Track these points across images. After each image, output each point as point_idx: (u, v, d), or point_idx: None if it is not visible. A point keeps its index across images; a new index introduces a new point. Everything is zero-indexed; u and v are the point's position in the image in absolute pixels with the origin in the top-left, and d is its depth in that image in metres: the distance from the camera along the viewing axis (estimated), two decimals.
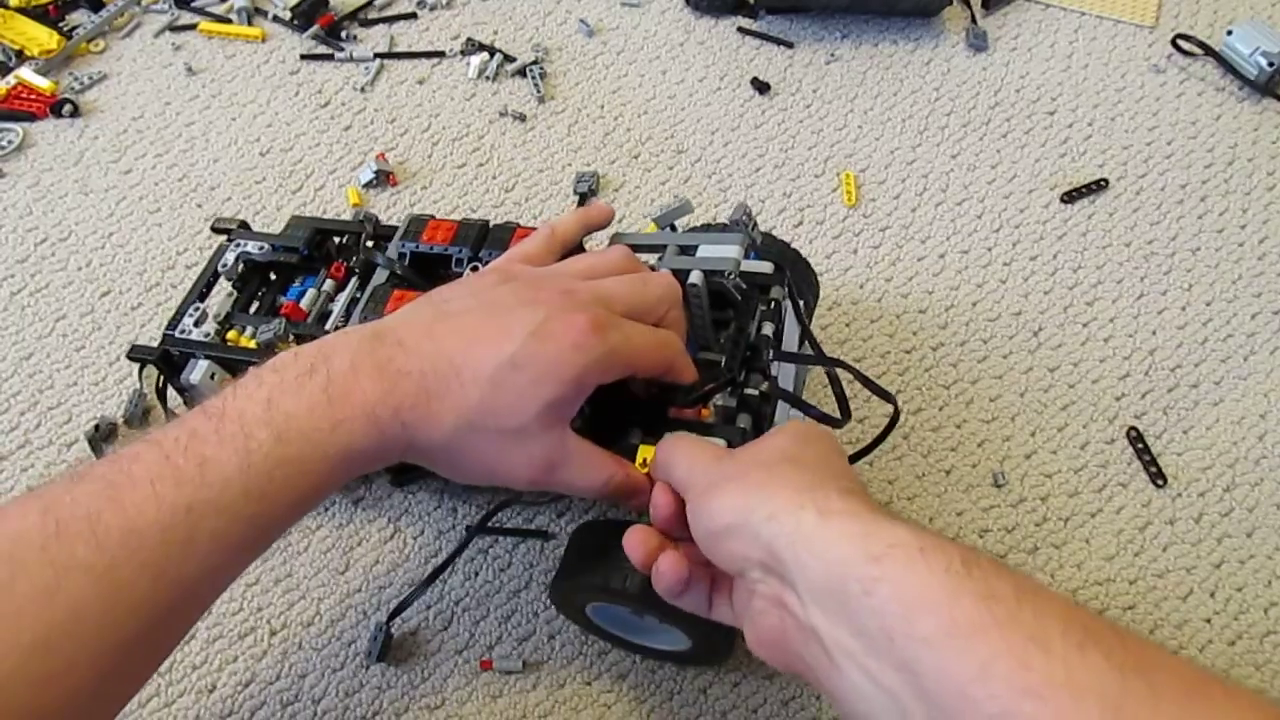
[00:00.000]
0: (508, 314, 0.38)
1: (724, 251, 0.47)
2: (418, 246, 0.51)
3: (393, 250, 0.52)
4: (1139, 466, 0.59)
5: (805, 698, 0.50)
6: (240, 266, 0.53)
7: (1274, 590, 0.55)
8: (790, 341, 0.51)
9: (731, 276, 0.46)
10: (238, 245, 0.53)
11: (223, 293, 0.53)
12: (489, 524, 0.53)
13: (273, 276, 0.54)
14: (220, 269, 0.53)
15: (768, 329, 0.46)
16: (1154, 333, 0.64)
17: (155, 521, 0.32)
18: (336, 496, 0.55)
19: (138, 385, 0.58)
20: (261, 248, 0.53)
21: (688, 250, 0.48)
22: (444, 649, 0.51)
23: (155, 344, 0.51)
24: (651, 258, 0.49)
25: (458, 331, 0.38)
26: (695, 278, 0.45)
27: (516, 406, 0.37)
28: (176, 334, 0.51)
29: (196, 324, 0.51)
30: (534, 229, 0.50)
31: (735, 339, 0.45)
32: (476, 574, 0.53)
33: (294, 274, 0.53)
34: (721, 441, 0.42)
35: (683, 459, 0.39)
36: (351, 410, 0.35)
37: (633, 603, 0.43)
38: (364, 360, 0.37)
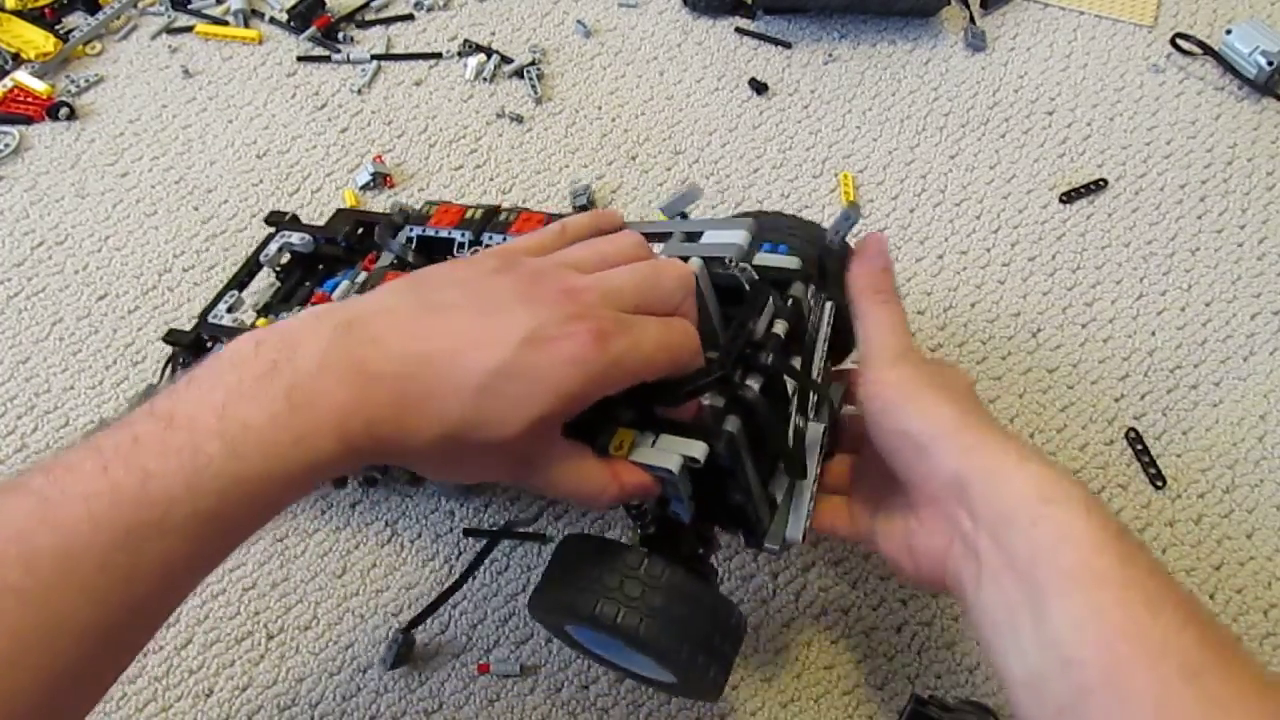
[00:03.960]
0: (501, 314, 0.34)
1: (729, 238, 0.43)
2: (424, 231, 0.50)
3: (403, 235, 0.51)
4: (1138, 468, 0.59)
5: (804, 700, 0.50)
6: (283, 257, 0.54)
7: (1274, 592, 0.55)
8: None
9: (733, 265, 0.42)
10: (282, 236, 0.54)
11: (265, 283, 0.55)
12: (515, 530, 0.52)
13: (320, 269, 0.55)
14: (263, 259, 0.54)
15: (779, 327, 0.42)
16: (1153, 333, 0.64)
17: (91, 545, 0.28)
18: (333, 499, 0.55)
19: (151, 381, 0.58)
20: (303, 239, 0.54)
21: (694, 238, 0.44)
22: (441, 653, 0.51)
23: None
24: (659, 248, 0.46)
25: (443, 331, 0.34)
26: (694, 265, 0.42)
27: (503, 421, 0.33)
28: (210, 320, 0.51)
29: (230, 310, 0.52)
30: (540, 214, 0.49)
31: (735, 334, 0.42)
32: (474, 577, 0.53)
33: (338, 266, 0.55)
34: (700, 444, 0.38)
35: (876, 330, 0.42)
36: (318, 421, 0.31)
37: (604, 630, 0.40)
38: (334, 359, 0.32)
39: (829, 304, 0.45)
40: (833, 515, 0.46)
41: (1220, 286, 0.67)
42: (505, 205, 0.51)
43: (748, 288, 0.43)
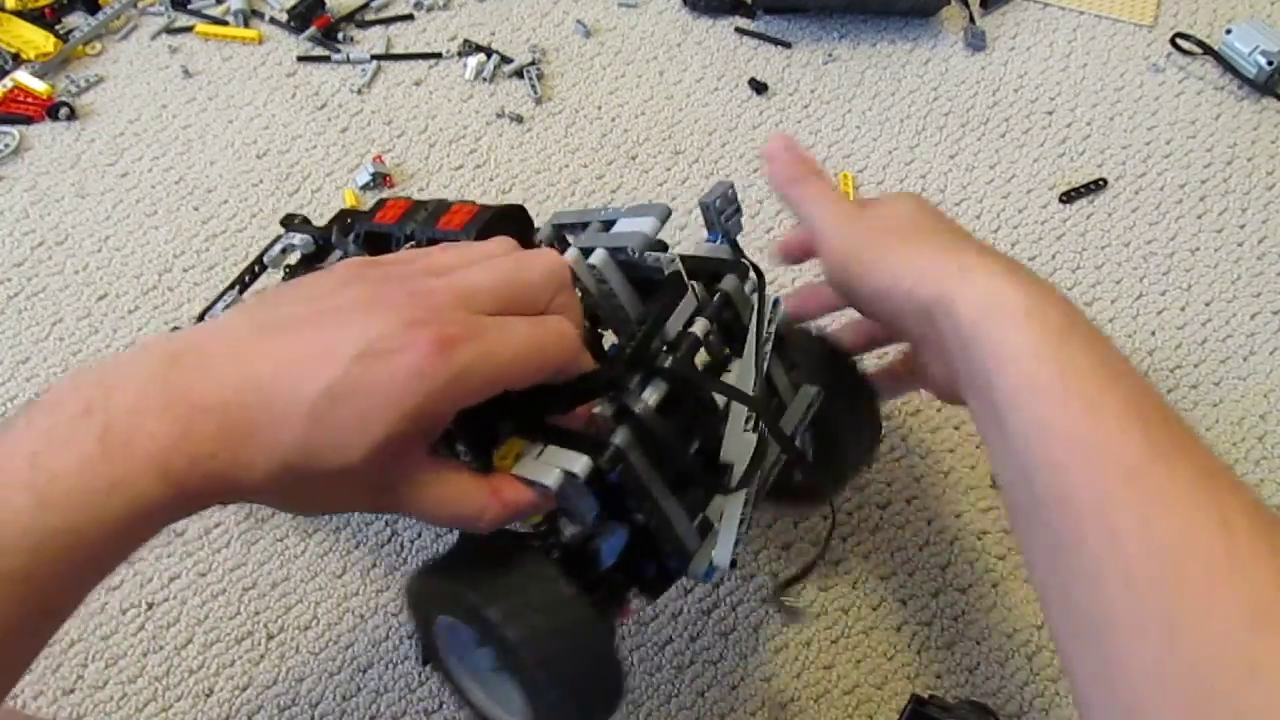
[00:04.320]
0: (336, 327, 0.30)
1: (636, 226, 0.38)
2: (369, 226, 0.46)
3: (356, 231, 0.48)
4: None
5: (803, 700, 0.50)
6: (289, 258, 0.53)
7: None
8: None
9: (636, 254, 0.37)
10: (286, 237, 0.53)
11: (274, 283, 0.54)
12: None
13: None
14: (266, 260, 0.53)
15: (698, 326, 0.37)
16: (1153, 333, 0.64)
17: None
18: None
19: None
20: (304, 239, 0.53)
21: (610, 227, 0.40)
22: None
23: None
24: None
25: (274, 350, 0.30)
26: (597, 258, 0.37)
27: (342, 446, 0.30)
28: (206, 318, 0.51)
29: (227, 309, 0.51)
30: (473, 205, 0.44)
31: (633, 334, 0.36)
32: None
33: None
34: (582, 458, 0.33)
35: (803, 193, 0.43)
36: (134, 464, 0.27)
37: (483, 632, 0.35)
38: (153, 395, 0.28)
39: (777, 301, 0.39)
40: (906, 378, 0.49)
41: (1220, 286, 0.67)
42: (464, 200, 0.47)
43: (655, 279, 0.38)
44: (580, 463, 0.33)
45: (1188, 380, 0.62)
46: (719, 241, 0.40)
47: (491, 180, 0.70)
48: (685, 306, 0.37)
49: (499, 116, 0.73)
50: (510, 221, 0.42)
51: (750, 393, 0.37)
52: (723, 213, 0.38)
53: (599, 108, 0.74)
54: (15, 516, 0.26)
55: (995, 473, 0.38)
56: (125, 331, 0.62)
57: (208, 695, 0.49)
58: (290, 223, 0.55)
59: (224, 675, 0.50)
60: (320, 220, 0.55)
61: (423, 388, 0.30)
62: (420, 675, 0.50)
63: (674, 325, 0.37)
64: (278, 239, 0.54)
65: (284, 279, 0.53)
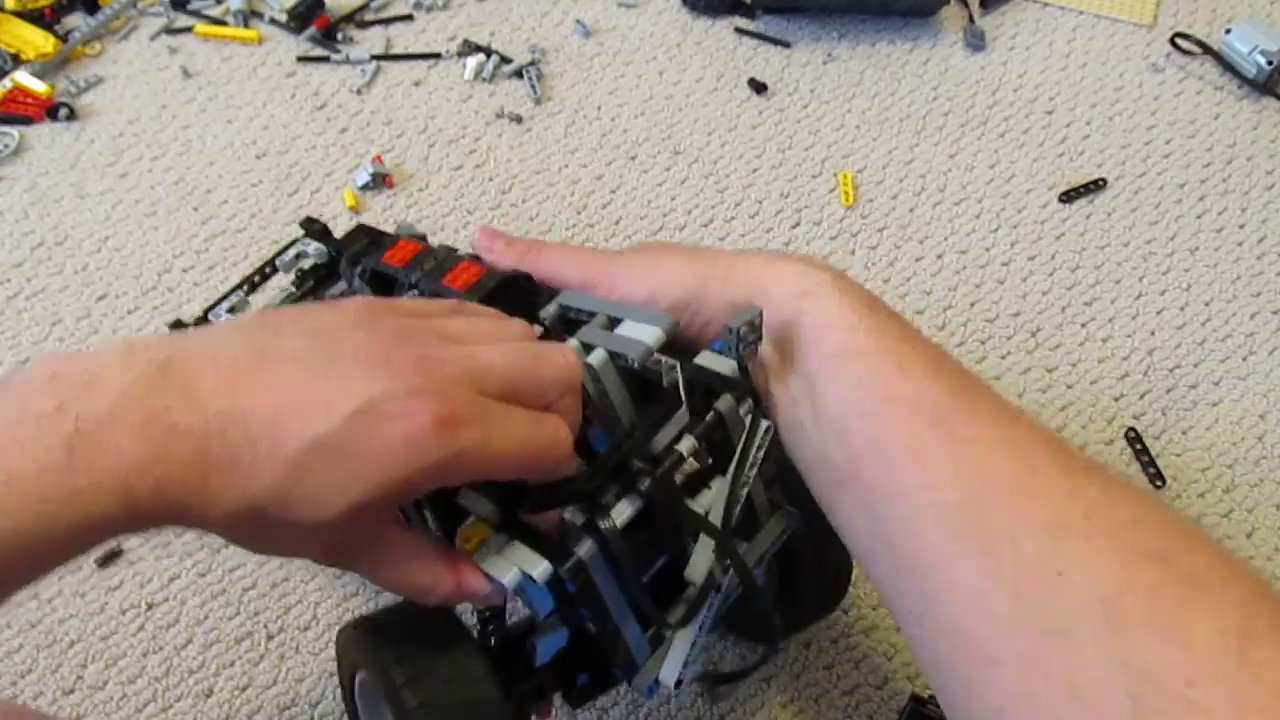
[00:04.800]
0: (338, 376, 0.29)
1: (640, 334, 0.37)
2: (376, 265, 0.44)
3: (363, 265, 0.47)
4: (1138, 468, 0.59)
5: (803, 700, 0.50)
6: (303, 263, 0.53)
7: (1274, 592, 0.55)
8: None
9: (635, 363, 0.36)
10: (301, 244, 0.53)
11: (284, 283, 0.52)
12: None
13: (330, 280, 0.54)
14: (279, 263, 0.53)
15: (685, 445, 0.36)
16: (1152, 333, 0.64)
17: None
18: None
19: None
20: (317, 249, 0.52)
21: (616, 324, 0.39)
22: None
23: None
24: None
25: (269, 386, 0.28)
26: (596, 358, 0.36)
27: (316, 503, 0.29)
28: (210, 319, 0.51)
29: (231, 310, 0.51)
30: (481, 268, 0.42)
31: (620, 444, 0.35)
32: None
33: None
34: (543, 563, 0.33)
35: (578, 261, 0.42)
36: (98, 478, 0.26)
37: (384, 694, 0.35)
38: (132, 406, 0.27)
39: (765, 425, 0.37)
40: None
41: (1220, 286, 0.67)
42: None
43: (654, 387, 0.37)
44: (540, 567, 0.33)
45: (1187, 380, 0.62)
46: (722, 352, 0.38)
47: (491, 180, 0.70)
48: (676, 421, 0.36)
49: (499, 117, 0.73)
50: (514, 291, 0.41)
51: (724, 515, 0.36)
52: (744, 340, 0.36)
53: (599, 108, 0.74)
54: None
55: (800, 453, 0.37)
56: (125, 331, 0.62)
57: (207, 695, 0.49)
58: (311, 227, 0.54)
59: (224, 675, 0.50)
60: (339, 225, 0.55)
61: (413, 461, 0.29)
62: None
63: (662, 438, 0.36)
64: (294, 242, 0.53)
65: (293, 284, 0.52)
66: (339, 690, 0.50)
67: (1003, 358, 0.63)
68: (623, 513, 0.34)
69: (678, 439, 0.36)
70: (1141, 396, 0.62)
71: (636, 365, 0.36)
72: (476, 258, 0.44)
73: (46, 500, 0.26)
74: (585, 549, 0.33)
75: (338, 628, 0.43)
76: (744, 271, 0.39)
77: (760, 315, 0.36)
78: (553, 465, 0.33)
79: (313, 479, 0.28)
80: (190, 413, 0.27)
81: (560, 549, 0.33)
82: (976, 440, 0.33)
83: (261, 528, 0.29)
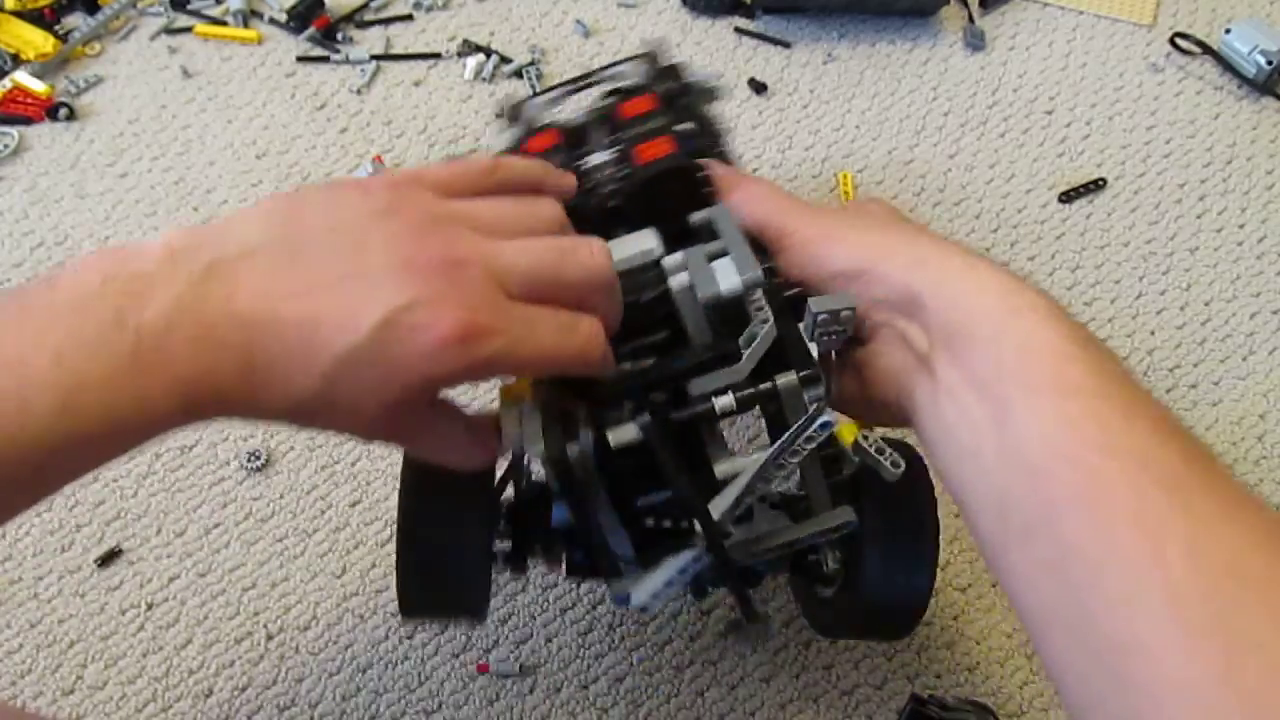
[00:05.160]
0: (365, 283, 0.30)
1: (727, 277, 0.36)
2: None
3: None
4: None
5: (803, 700, 0.50)
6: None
7: None
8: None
9: (702, 303, 0.36)
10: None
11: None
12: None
13: None
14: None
15: (721, 401, 0.35)
16: (1152, 333, 0.64)
17: None
18: (333, 499, 0.55)
19: None
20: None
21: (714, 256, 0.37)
22: (440, 652, 0.51)
23: None
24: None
25: (300, 292, 0.30)
26: (676, 282, 0.36)
27: (351, 407, 0.31)
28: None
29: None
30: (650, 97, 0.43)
31: (655, 367, 0.36)
32: None
33: None
34: (537, 444, 0.34)
35: (773, 207, 0.39)
36: (163, 387, 0.28)
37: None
38: (186, 319, 0.28)
39: (823, 420, 0.34)
40: None
41: (1220, 286, 0.67)
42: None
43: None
44: (535, 447, 0.34)
45: (1187, 380, 0.62)
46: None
47: None
48: (731, 374, 0.35)
49: (499, 117, 0.73)
50: (677, 184, 0.41)
51: (738, 496, 0.35)
52: (824, 329, 0.34)
53: None
54: (38, 419, 0.27)
55: (969, 486, 0.33)
56: None
57: (207, 695, 0.49)
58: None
59: (223, 675, 0.50)
60: None
61: (438, 369, 0.30)
62: (420, 675, 0.50)
63: (707, 384, 0.35)
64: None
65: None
66: (339, 690, 0.50)
67: None
68: (624, 435, 0.34)
69: (721, 392, 0.35)
70: None
71: (703, 304, 0.36)
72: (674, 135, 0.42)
73: (118, 406, 0.28)
74: (572, 450, 0.34)
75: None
76: (938, 265, 0.35)
77: (853, 311, 0.34)
78: (584, 367, 0.34)
79: (346, 386, 0.30)
80: (235, 330, 0.29)
81: (562, 439, 0.34)
82: (1218, 519, 0.28)
83: (308, 419, 0.31)
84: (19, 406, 0.27)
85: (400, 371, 0.30)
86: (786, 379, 0.35)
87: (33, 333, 0.28)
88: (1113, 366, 0.32)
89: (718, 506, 0.35)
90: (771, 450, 0.34)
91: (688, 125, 0.43)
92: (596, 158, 0.42)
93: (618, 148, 0.42)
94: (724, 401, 0.35)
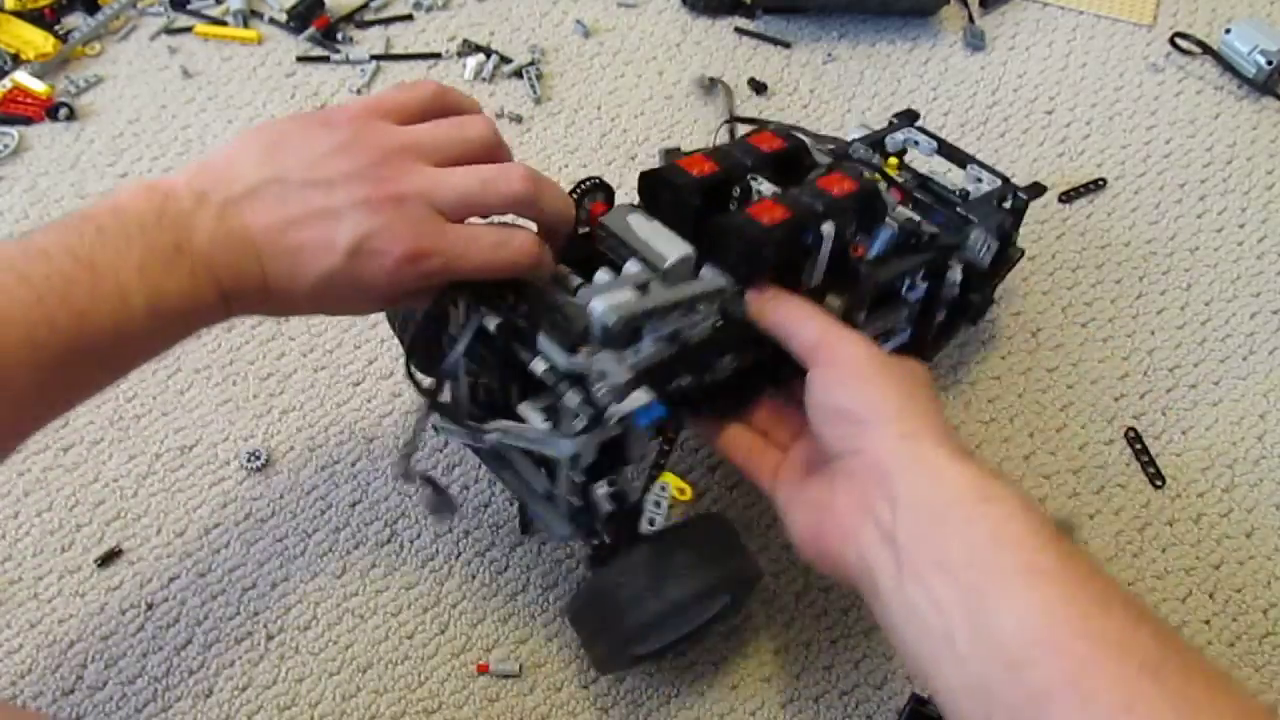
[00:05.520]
0: (333, 217, 0.38)
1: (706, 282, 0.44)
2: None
3: None
4: (1137, 467, 0.59)
5: (802, 701, 0.50)
6: None
7: (1273, 591, 0.55)
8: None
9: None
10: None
11: None
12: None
13: None
14: None
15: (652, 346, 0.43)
16: (1152, 333, 0.64)
17: (27, 364, 0.34)
18: (333, 499, 0.55)
19: None
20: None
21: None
22: (441, 652, 0.51)
23: None
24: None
25: (291, 223, 0.38)
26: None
27: (345, 307, 0.42)
28: None
29: None
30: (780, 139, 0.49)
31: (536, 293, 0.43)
32: (474, 576, 0.53)
33: None
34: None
35: (813, 323, 0.42)
36: (213, 298, 0.38)
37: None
38: (218, 246, 0.38)
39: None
40: (748, 453, 0.47)
41: (1220, 286, 0.67)
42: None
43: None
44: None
45: (1187, 380, 0.62)
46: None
47: None
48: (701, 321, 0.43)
49: (498, 116, 0.73)
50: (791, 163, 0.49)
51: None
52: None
53: (599, 108, 0.74)
54: (134, 315, 0.36)
55: (938, 670, 0.33)
56: None
57: (207, 695, 0.49)
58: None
59: (224, 675, 0.50)
60: None
61: (397, 284, 0.39)
62: (420, 675, 0.50)
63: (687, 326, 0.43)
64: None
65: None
66: (339, 690, 0.50)
67: (1003, 358, 0.63)
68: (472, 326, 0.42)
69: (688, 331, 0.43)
70: (1141, 396, 0.62)
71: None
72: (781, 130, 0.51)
73: (185, 313, 0.38)
74: (465, 333, 0.42)
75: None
76: (925, 444, 0.37)
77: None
78: (521, 271, 0.41)
79: (333, 298, 0.40)
80: (251, 252, 0.38)
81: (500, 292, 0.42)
82: (1202, 704, 0.29)
83: (325, 310, 0.42)
84: (122, 304, 0.36)
85: (370, 288, 0.39)
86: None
87: (114, 250, 0.36)
88: (1080, 555, 0.33)
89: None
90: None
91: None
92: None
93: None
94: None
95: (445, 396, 0.45)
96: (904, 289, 0.51)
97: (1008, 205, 0.56)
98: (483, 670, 0.50)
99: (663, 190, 0.46)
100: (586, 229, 0.47)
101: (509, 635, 0.52)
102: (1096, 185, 0.71)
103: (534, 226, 0.43)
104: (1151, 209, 0.70)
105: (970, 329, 0.62)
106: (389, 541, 0.54)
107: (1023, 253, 0.58)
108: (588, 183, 0.47)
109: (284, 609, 0.52)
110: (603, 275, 0.43)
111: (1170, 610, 0.54)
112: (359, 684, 0.50)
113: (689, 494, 0.45)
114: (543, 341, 0.41)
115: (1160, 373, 0.63)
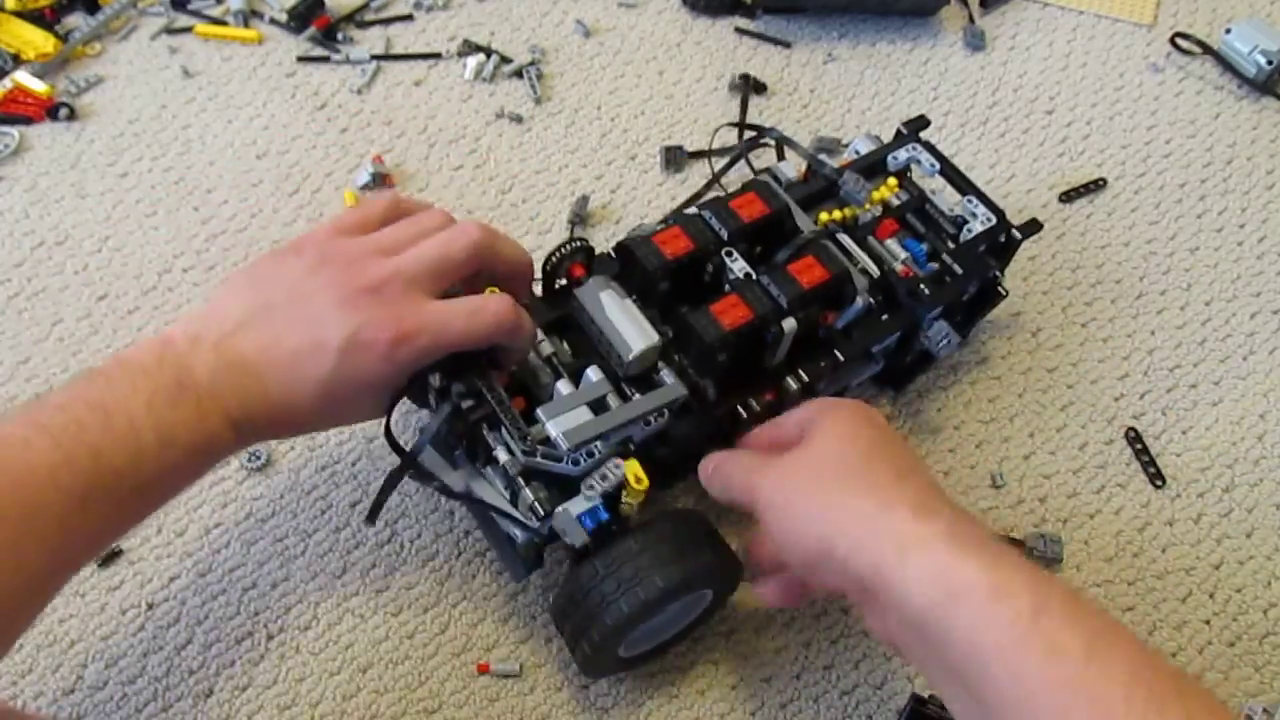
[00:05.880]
0: (317, 325, 0.41)
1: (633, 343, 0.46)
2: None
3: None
4: (1138, 467, 0.59)
5: (803, 700, 0.50)
6: None
7: (1273, 591, 0.55)
8: None
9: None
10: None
11: None
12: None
13: None
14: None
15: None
16: (1153, 333, 0.64)
17: (53, 504, 0.36)
18: (333, 499, 0.55)
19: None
20: None
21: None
22: (441, 652, 0.51)
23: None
24: None
25: (281, 337, 0.41)
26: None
27: (349, 408, 0.44)
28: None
29: None
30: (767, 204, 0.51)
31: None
32: (474, 576, 0.53)
33: None
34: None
35: (740, 482, 0.43)
36: (222, 428, 0.40)
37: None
38: (219, 375, 0.40)
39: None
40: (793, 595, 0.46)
41: (1220, 286, 0.67)
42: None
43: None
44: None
45: (1187, 380, 0.62)
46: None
47: (491, 180, 0.70)
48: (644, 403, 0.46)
49: (499, 116, 0.73)
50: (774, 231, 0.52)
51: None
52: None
53: (599, 108, 0.74)
54: (147, 448, 0.38)
55: None
56: (125, 332, 0.62)
57: (208, 695, 0.49)
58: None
59: (224, 675, 0.50)
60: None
61: (392, 368, 0.42)
62: (420, 675, 0.50)
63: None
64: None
65: None
66: (339, 690, 0.50)
67: (1003, 358, 0.63)
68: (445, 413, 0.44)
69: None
70: (1142, 396, 0.62)
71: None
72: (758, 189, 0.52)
73: (194, 444, 0.40)
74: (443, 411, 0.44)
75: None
76: (872, 549, 0.35)
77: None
78: (505, 338, 0.44)
79: (337, 401, 0.42)
80: (251, 373, 0.41)
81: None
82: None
83: (333, 416, 0.45)
84: (135, 440, 0.38)
85: (367, 377, 0.41)
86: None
87: (122, 394, 0.39)
88: (1069, 636, 0.31)
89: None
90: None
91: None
92: None
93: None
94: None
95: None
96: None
97: (1001, 240, 0.57)
98: (483, 670, 0.50)
99: (635, 268, 0.48)
100: (564, 283, 0.50)
101: (509, 635, 0.52)
102: (1096, 185, 0.71)
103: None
104: (1151, 209, 0.70)
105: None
106: (389, 541, 0.54)
107: (1007, 293, 0.57)
108: (570, 245, 0.49)
109: (284, 609, 0.52)
110: (563, 388, 0.46)
111: (1170, 610, 0.54)
112: (359, 684, 0.50)
113: (645, 484, 0.44)
114: (505, 435, 0.44)
115: (1160, 373, 0.63)
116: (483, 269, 0.45)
